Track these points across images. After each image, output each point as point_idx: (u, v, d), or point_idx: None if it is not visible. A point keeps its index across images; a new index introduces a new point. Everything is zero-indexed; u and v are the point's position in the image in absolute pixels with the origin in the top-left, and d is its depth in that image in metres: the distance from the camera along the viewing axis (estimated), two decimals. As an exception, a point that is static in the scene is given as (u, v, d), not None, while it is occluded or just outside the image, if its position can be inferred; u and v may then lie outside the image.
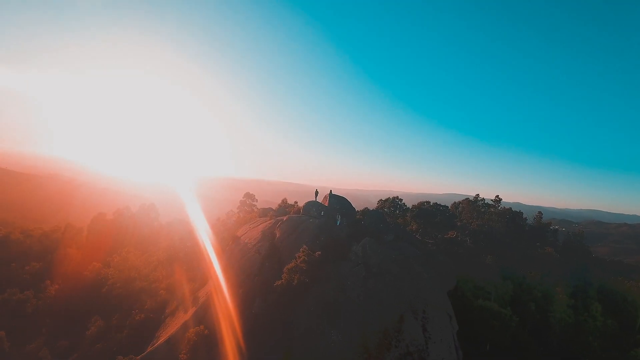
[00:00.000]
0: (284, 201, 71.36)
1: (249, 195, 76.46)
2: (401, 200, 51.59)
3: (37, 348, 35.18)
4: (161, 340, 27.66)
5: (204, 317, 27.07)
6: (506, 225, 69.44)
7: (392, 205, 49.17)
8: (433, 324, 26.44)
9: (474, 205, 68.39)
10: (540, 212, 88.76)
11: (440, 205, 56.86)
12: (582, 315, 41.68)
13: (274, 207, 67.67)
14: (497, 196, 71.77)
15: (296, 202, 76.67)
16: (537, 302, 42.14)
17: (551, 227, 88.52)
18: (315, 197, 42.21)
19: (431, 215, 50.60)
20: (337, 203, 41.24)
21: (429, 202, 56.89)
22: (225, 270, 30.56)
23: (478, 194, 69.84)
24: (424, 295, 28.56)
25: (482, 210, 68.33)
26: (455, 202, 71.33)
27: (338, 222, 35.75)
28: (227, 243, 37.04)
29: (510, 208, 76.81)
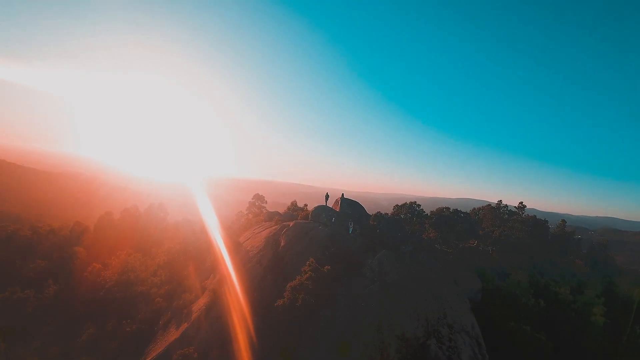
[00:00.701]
0: (293, 204, 67.54)
1: (258, 197, 73.15)
2: (419, 206, 46.94)
3: (28, 353, 32.47)
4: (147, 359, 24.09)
5: (196, 336, 23.34)
6: (530, 234, 63.78)
7: (409, 211, 44.58)
8: (460, 353, 21.98)
9: (495, 212, 62.88)
10: (563, 221, 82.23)
11: (460, 211, 51.89)
12: (620, 339, 36.15)
13: (284, 209, 63.96)
14: (521, 203, 66.00)
15: (306, 205, 72.72)
16: (571, 323, 36.82)
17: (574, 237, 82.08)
18: (326, 202, 38.14)
19: (452, 222, 45.76)
20: (349, 208, 37.12)
21: (448, 208, 51.99)
22: (222, 283, 26.80)
23: (500, 200, 64.28)
24: (449, 318, 24.09)
25: (505, 217, 62.74)
26: (475, 209, 65.95)
27: (350, 230, 31.59)
28: (229, 250, 33.34)
29: (535, 216, 70.91)
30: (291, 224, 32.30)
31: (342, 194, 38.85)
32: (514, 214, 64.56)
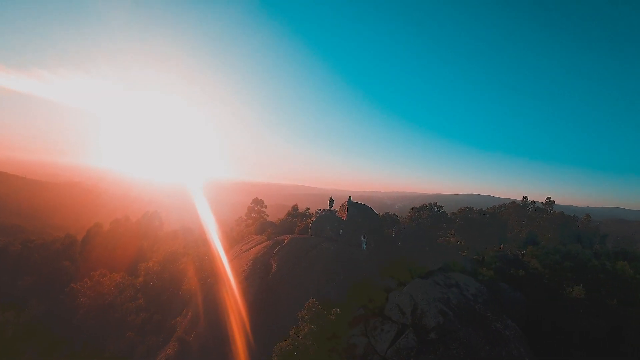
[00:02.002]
0: (295, 208, 59.22)
1: (257, 201, 65.21)
2: (441, 207, 38.73)
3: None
4: None
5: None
6: (560, 233, 55.38)
7: (430, 214, 36.35)
8: None
9: (522, 210, 54.43)
10: (588, 215, 73.53)
11: (486, 212, 43.69)
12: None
13: (286, 211, 56.17)
14: (549, 198, 57.49)
15: (307, 209, 64.17)
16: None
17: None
18: (330, 208, 29.99)
19: (479, 225, 37.50)
20: (359, 215, 28.96)
21: (471, 208, 43.77)
22: (192, 327, 18.77)
23: (526, 197, 55.76)
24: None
25: (534, 216, 54.32)
26: (494, 206, 57.51)
27: (364, 246, 23.54)
28: (207, 277, 25.42)
29: (562, 212, 62.44)
30: (286, 239, 24.18)
31: (350, 198, 30.64)
32: (541, 210, 56.27)
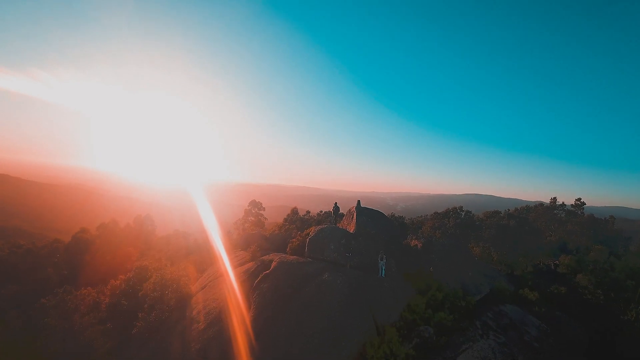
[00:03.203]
0: (294, 211, 52.13)
1: (254, 204, 58.12)
2: (469, 212, 31.56)
3: None
4: None
5: None
6: (592, 238, 47.98)
7: (457, 221, 29.09)
8: None
9: (550, 212, 46.96)
10: (612, 217, 65.80)
11: (514, 214, 36.42)
12: None
13: (288, 212, 49.31)
14: (579, 199, 50.14)
15: (308, 212, 57.27)
16: None
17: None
18: (334, 217, 22.74)
19: (514, 232, 30.26)
20: (371, 224, 21.80)
21: (498, 212, 36.51)
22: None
23: (555, 198, 48.30)
24: None
25: (564, 219, 46.89)
26: (517, 208, 50.00)
27: (382, 271, 16.35)
28: (169, 313, 18.40)
29: (592, 215, 55.00)
30: (274, 262, 16.92)
31: (358, 202, 23.39)
32: (572, 214, 48.97)
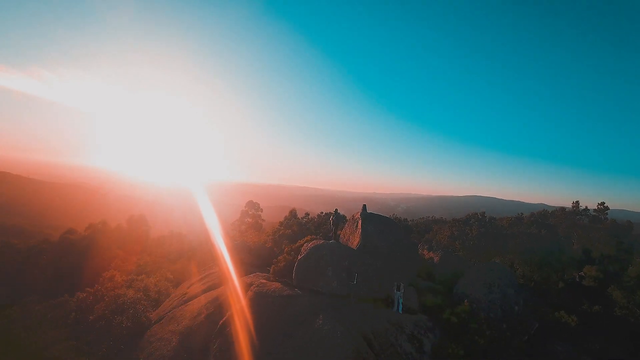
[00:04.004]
0: (292, 213, 47.16)
1: (251, 204, 53.37)
2: (494, 219, 26.75)
3: None
4: None
5: None
6: (616, 247, 43.01)
7: (481, 230, 24.05)
8: None
9: (572, 217, 41.94)
10: (629, 222, 60.65)
11: (539, 221, 31.64)
12: None
13: (288, 212, 44.91)
14: (602, 204, 45.09)
15: (307, 214, 52.33)
16: None
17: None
18: (334, 230, 17.65)
19: (539, 242, 25.42)
20: (380, 235, 17.02)
21: (521, 218, 31.68)
22: None
23: (577, 202, 43.20)
24: None
25: (588, 225, 41.87)
26: (534, 213, 44.97)
27: (399, 306, 11.60)
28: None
29: (614, 220, 50.01)
30: (252, 288, 11.99)
31: (364, 207, 18.57)
32: (595, 219, 43.89)
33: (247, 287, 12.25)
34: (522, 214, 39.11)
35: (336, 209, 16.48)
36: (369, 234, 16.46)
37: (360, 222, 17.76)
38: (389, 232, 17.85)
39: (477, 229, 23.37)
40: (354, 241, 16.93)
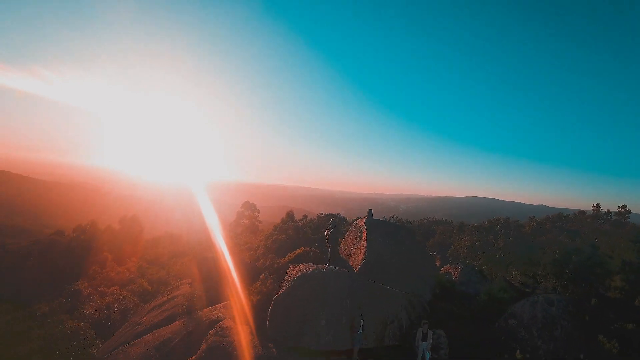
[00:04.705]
0: (289, 215, 43.02)
1: (247, 205, 49.13)
2: (522, 226, 22.84)
3: None
4: None
5: None
6: (637, 253, 38.94)
7: (506, 238, 19.90)
8: None
9: (594, 221, 37.88)
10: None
11: (559, 223, 27.70)
12: None
13: (286, 213, 41.17)
14: (624, 206, 41.00)
15: (305, 217, 48.22)
16: None
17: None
18: (331, 249, 12.53)
19: (572, 251, 21.38)
20: (390, 248, 13.17)
21: (544, 223, 27.74)
22: None
23: (598, 204, 39.16)
24: None
25: (610, 231, 37.84)
26: (550, 217, 40.84)
27: (426, 356, 7.82)
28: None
29: (634, 224, 45.87)
30: (206, 343, 8.04)
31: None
32: (618, 223, 39.87)
33: (205, 329, 8.36)
34: (546, 217, 35.17)
35: (333, 220, 12.14)
36: (375, 248, 12.57)
37: (364, 232, 13.86)
38: (400, 243, 13.92)
39: (504, 239, 19.33)
40: (358, 256, 13.04)
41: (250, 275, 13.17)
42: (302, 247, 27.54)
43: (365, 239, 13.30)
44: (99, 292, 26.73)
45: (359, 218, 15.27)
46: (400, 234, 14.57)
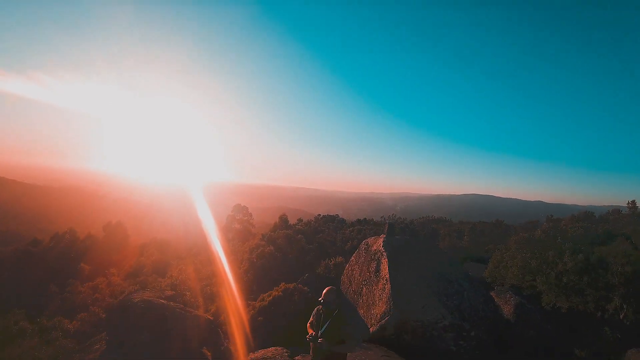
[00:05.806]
0: (282, 219, 37.13)
1: (238, 208, 43.04)
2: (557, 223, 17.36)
3: None
4: None
5: None
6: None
7: (534, 242, 14.69)
8: None
9: (630, 218, 32.57)
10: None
11: (589, 223, 22.49)
12: None
13: (289, 214, 35.69)
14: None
15: (301, 220, 42.20)
16: None
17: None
18: (309, 340, 3.96)
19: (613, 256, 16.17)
20: (430, 295, 7.75)
21: (574, 218, 22.51)
22: None
23: (634, 201, 33.91)
24: None
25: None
26: (574, 215, 35.33)
27: None
28: None
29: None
30: None
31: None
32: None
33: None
34: (571, 216, 29.94)
35: (318, 308, 4.14)
36: (405, 296, 6.98)
37: (385, 263, 8.16)
38: (449, 283, 8.26)
39: (572, 255, 13.74)
40: (373, 305, 7.31)
41: (202, 336, 7.59)
42: (290, 265, 21.57)
43: (388, 277, 7.67)
44: (38, 325, 21.06)
45: (374, 238, 9.73)
46: (444, 267, 8.74)
